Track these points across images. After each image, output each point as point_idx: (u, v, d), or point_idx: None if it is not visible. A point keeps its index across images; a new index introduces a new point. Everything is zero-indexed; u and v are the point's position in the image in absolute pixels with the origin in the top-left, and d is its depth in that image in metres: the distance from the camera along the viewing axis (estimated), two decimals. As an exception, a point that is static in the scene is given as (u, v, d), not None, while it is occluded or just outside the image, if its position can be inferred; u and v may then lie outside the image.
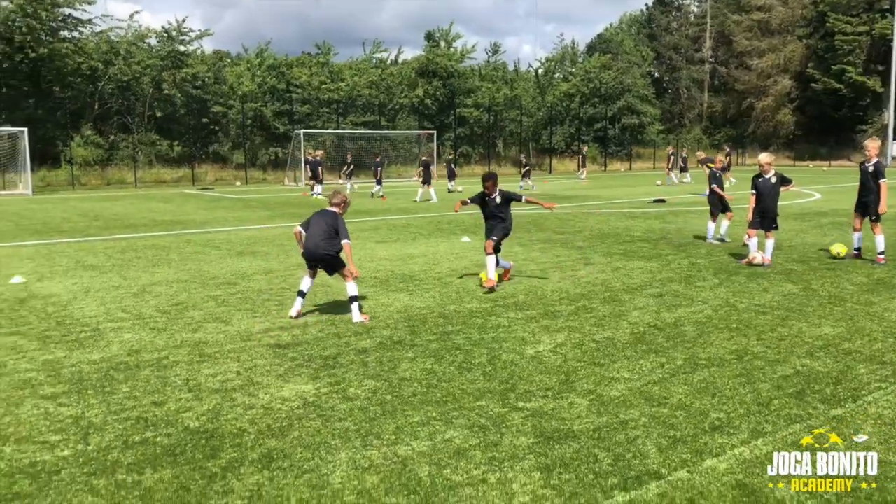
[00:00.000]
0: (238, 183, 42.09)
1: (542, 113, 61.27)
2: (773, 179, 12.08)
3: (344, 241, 8.57)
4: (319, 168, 30.94)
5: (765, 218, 12.05)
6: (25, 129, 34.42)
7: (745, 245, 12.60)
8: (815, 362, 6.82)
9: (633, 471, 4.62)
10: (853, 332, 7.89)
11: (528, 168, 35.83)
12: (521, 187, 34.51)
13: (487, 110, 56.29)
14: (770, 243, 12.09)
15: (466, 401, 5.87)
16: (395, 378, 6.46)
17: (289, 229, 18.50)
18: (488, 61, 65.86)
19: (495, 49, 67.21)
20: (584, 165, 44.06)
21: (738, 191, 25.72)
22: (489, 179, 10.51)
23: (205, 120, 47.76)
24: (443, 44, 59.15)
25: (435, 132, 49.00)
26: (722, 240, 14.76)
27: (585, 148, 50.74)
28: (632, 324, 8.31)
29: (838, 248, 12.78)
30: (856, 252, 12.65)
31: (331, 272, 8.81)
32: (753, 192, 12.20)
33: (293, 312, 8.72)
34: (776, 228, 12.21)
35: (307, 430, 5.29)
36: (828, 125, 64.51)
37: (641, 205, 24.45)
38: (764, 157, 12.25)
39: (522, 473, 4.59)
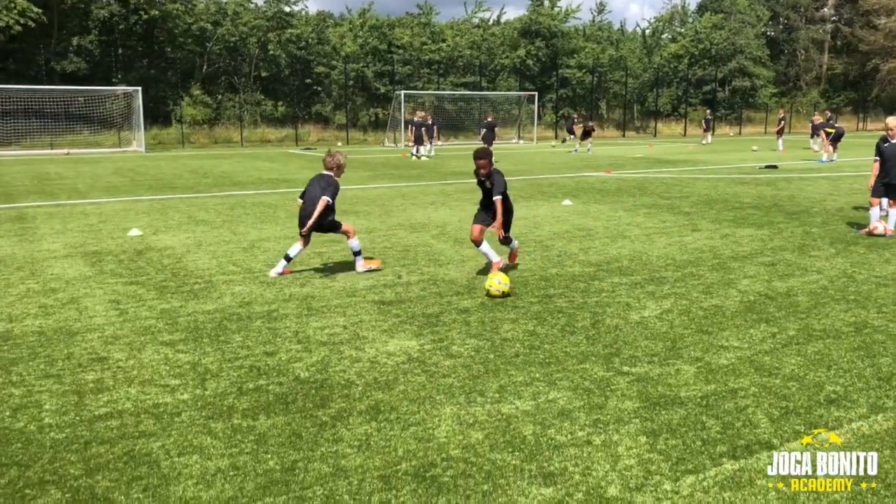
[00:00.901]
0: (339, 143, 42.80)
1: (647, 74, 59.52)
2: (900, 144, 11.37)
3: (323, 198, 8.58)
4: (422, 129, 31.26)
5: (890, 185, 11.37)
6: (139, 89, 35.84)
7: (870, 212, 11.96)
8: (942, 338, 6.44)
9: (742, 440, 4.50)
10: None
11: (591, 129, 34.68)
12: (575, 151, 33.99)
13: (591, 71, 55.09)
14: (894, 212, 11.43)
15: (570, 363, 5.84)
16: (498, 338, 6.48)
17: (391, 190, 18.72)
18: (593, 21, 64.40)
19: (601, 8, 65.70)
20: (707, 130, 43.22)
21: (858, 157, 24.33)
22: (482, 157, 8.41)
23: (308, 80, 48.64)
24: (546, 3, 58.05)
25: (536, 93, 48.30)
26: None
27: (709, 111, 49.47)
28: (741, 292, 8.04)
29: None
30: None
31: (336, 231, 8.96)
32: (877, 157, 11.52)
33: (276, 271, 8.86)
34: (900, 197, 11.53)
35: (412, 385, 5.39)
36: (961, 88, 60.25)
37: (752, 171, 23.50)
38: (891, 120, 11.52)
39: (628, 437, 4.54)
